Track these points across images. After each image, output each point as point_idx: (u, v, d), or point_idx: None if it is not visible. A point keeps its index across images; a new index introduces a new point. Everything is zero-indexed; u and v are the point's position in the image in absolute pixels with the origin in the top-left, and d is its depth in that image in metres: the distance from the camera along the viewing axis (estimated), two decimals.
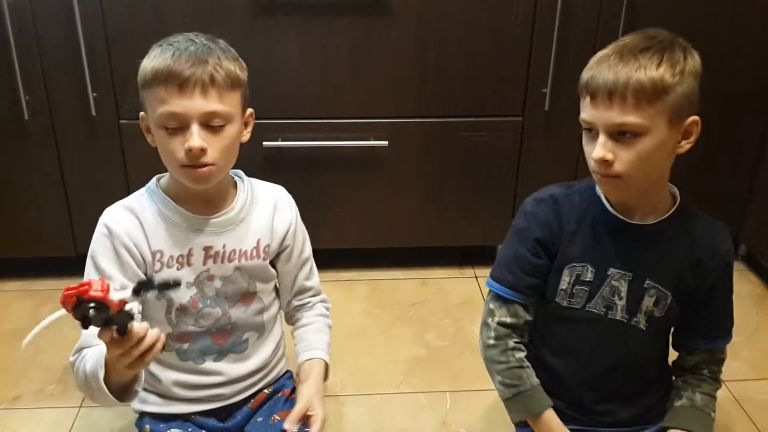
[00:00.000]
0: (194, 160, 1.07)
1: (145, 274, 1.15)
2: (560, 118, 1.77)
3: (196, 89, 1.04)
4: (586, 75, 1.03)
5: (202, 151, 1.06)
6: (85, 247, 1.86)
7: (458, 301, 1.86)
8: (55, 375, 1.56)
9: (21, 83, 1.63)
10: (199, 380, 1.22)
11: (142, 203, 1.16)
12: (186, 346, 1.20)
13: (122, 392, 1.05)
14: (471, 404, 1.49)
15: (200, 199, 1.16)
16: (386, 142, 1.77)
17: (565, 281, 1.15)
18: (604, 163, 1.02)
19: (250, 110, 1.16)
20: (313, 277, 1.33)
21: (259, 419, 1.26)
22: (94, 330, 0.91)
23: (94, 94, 1.66)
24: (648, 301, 1.13)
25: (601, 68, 1.01)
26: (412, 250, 1.99)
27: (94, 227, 1.15)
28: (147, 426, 1.22)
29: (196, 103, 1.05)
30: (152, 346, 0.94)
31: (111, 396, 1.03)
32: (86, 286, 0.83)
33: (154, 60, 1.06)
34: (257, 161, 1.74)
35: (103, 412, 1.45)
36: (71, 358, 1.11)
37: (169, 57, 1.04)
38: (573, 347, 1.19)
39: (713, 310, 1.16)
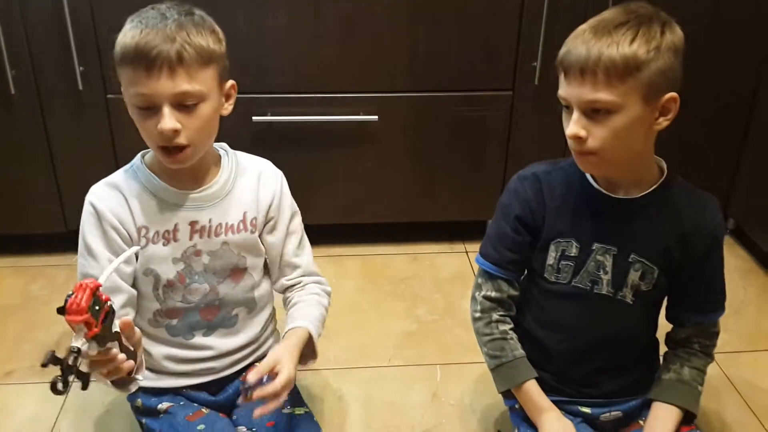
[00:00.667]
0: (168, 141, 1.06)
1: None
2: (550, 92, 1.72)
3: (163, 70, 1.01)
4: (561, 51, 1.03)
5: (175, 132, 1.05)
6: (75, 222, 1.85)
7: (448, 276, 1.87)
8: (47, 350, 1.56)
9: (6, 57, 1.61)
10: (189, 354, 1.23)
11: (127, 179, 1.15)
12: (174, 322, 1.21)
13: (121, 384, 1.07)
14: (460, 376, 1.51)
15: (184, 174, 1.15)
16: (376, 117, 1.76)
17: (551, 256, 1.16)
18: (578, 139, 1.02)
19: (230, 82, 1.13)
20: (302, 254, 1.29)
21: None
22: None
23: (81, 69, 1.64)
24: (633, 276, 1.14)
25: (576, 44, 1.00)
26: (403, 226, 1.99)
27: (84, 202, 1.15)
28: (139, 399, 1.23)
29: (164, 85, 1.02)
30: (118, 369, 0.96)
31: (111, 386, 1.05)
32: (74, 305, 0.90)
33: (123, 37, 1.03)
34: (246, 136, 1.73)
35: (95, 387, 1.45)
36: None
37: (137, 34, 1.02)
38: (560, 321, 1.20)
39: (703, 284, 1.16)
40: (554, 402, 1.19)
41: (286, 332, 1.21)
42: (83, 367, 0.93)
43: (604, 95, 0.98)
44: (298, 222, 1.29)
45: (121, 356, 0.96)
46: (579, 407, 1.21)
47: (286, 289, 1.29)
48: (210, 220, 1.17)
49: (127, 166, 1.18)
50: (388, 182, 1.88)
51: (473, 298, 1.23)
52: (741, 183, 1.93)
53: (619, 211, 1.12)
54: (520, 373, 1.18)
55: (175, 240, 1.16)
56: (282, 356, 1.12)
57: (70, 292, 0.89)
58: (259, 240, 1.23)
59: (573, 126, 1.02)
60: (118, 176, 1.16)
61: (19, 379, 1.48)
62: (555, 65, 1.05)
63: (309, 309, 1.24)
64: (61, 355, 0.90)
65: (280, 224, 1.24)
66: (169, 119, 1.03)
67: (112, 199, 1.14)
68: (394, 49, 1.72)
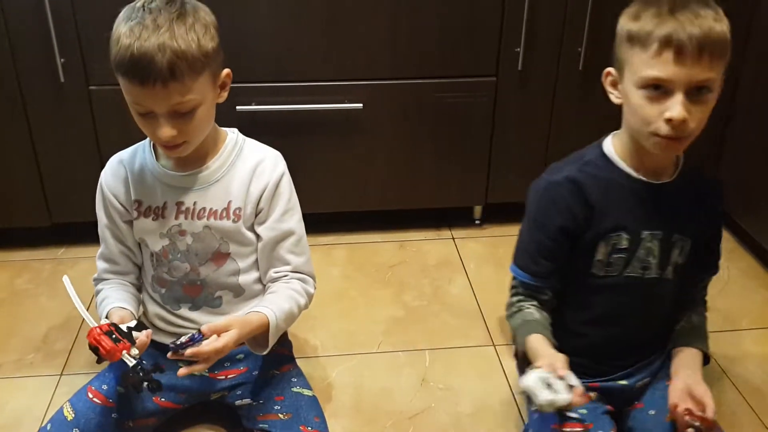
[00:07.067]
0: (167, 143, 1.11)
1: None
2: (534, 77, 1.77)
3: (157, 84, 1.03)
4: (660, 31, 0.97)
5: (173, 137, 1.09)
6: (59, 216, 1.84)
7: (435, 262, 1.88)
8: (35, 344, 1.56)
9: None
10: (177, 320, 1.28)
11: (133, 155, 1.24)
12: (163, 291, 1.27)
13: None
14: (449, 361, 1.52)
15: (181, 157, 1.19)
16: (361, 105, 1.76)
17: (601, 252, 1.15)
18: (682, 123, 0.99)
19: (225, 71, 1.15)
20: (301, 255, 1.26)
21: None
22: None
23: (62, 60, 1.63)
24: (675, 253, 1.17)
25: (681, 21, 0.96)
26: (390, 213, 1.99)
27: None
28: None
29: (158, 98, 1.05)
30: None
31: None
32: (106, 353, 1.04)
33: (117, 42, 1.03)
34: (231, 126, 1.72)
35: (84, 379, 1.45)
36: (96, 275, 1.30)
37: (132, 43, 1.01)
38: (611, 313, 1.20)
39: (714, 245, 1.24)
40: (593, 384, 1.21)
41: (249, 311, 1.18)
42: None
43: (714, 74, 0.99)
44: (296, 221, 1.26)
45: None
46: (617, 381, 1.23)
47: (270, 280, 1.27)
48: (194, 203, 1.21)
49: (140, 142, 1.25)
50: (374, 170, 1.88)
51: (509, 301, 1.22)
52: (725, 166, 1.95)
53: (659, 196, 1.13)
54: (528, 330, 1.14)
55: (163, 217, 1.21)
56: (234, 326, 1.10)
57: (93, 346, 1.03)
58: (246, 230, 1.23)
59: (681, 109, 0.98)
60: (128, 151, 1.25)
61: (7, 374, 1.48)
62: (637, 43, 1.00)
63: (280, 301, 1.21)
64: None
65: (270, 216, 1.23)
66: (166, 128, 1.07)
67: (115, 175, 1.23)
68: (377, 36, 1.71)
